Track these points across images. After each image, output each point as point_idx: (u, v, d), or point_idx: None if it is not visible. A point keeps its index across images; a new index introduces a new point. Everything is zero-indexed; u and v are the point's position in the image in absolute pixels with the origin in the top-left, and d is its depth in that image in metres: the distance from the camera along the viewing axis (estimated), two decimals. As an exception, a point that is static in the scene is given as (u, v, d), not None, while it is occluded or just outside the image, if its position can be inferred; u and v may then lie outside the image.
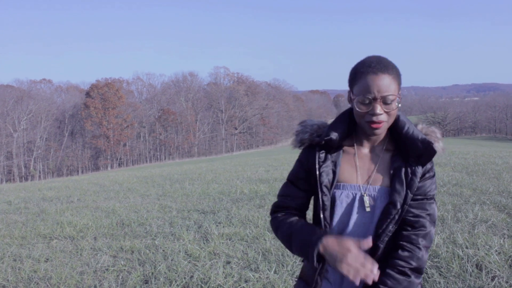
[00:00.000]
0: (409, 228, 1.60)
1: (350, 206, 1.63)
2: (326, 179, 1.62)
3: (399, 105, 1.57)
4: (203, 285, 3.92)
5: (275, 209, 1.77)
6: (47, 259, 4.99)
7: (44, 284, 4.22)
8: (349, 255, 1.45)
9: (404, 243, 1.59)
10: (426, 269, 3.91)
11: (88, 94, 76.02)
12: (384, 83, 1.50)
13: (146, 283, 4.12)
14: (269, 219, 5.13)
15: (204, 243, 5.15)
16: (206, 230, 5.70)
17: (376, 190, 1.63)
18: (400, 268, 1.55)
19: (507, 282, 3.55)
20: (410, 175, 1.59)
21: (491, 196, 6.82)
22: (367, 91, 1.51)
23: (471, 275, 3.71)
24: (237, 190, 8.89)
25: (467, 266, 3.87)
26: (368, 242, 1.49)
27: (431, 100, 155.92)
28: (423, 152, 1.58)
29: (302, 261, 1.87)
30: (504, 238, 4.62)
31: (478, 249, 4.25)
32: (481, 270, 3.79)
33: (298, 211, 1.74)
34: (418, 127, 1.67)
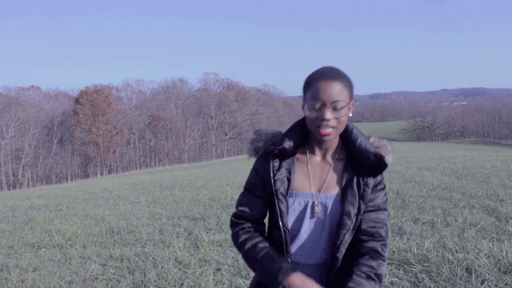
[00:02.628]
0: (369, 238, 1.67)
1: (302, 214, 1.68)
2: (281, 186, 1.66)
3: (351, 114, 1.63)
4: (193, 293, 3.89)
5: (235, 221, 1.78)
6: (35, 269, 4.93)
7: (32, 294, 4.16)
8: None
9: (370, 251, 1.66)
10: (417, 273, 3.92)
11: (77, 100, 75.55)
12: (335, 89, 1.56)
13: (135, 291, 4.08)
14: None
15: (194, 250, 5.12)
16: (196, 237, 5.67)
17: (328, 198, 1.67)
18: (368, 273, 1.61)
19: (496, 285, 3.56)
20: (362, 186, 1.66)
21: (480, 200, 6.86)
22: (318, 96, 1.56)
23: (461, 279, 3.72)
24: (227, 196, 8.86)
25: (457, 270, 3.88)
26: None
27: (420, 104, 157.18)
28: (375, 164, 1.65)
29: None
30: (493, 241, 4.65)
31: (468, 253, 4.27)
32: (470, 274, 3.80)
33: (257, 222, 1.76)
34: (370, 140, 1.74)
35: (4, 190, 48.56)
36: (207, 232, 5.88)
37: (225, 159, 76.58)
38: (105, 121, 73.85)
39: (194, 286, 4.02)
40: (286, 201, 1.66)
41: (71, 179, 68.25)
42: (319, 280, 1.67)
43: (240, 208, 1.76)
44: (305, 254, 1.69)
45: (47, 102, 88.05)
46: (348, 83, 1.61)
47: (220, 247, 5.18)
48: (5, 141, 66.26)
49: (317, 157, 1.73)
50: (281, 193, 1.65)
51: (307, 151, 1.74)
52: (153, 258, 4.96)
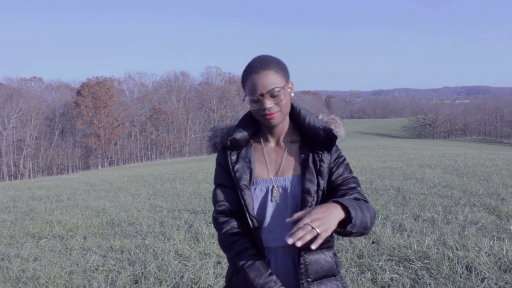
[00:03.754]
0: (348, 193, 1.71)
1: (264, 200, 1.73)
2: (242, 176, 1.71)
3: (292, 94, 1.72)
4: (193, 285, 3.90)
5: (218, 218, 1.76)
6: (36, 259, 4.94)
7: (32, 284, 4.18)
8: None
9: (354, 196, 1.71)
10: (417, 270, 3.93)
11: (79, 92, 75.51)
12: (267, 79, 1.62)
13: (136, 283, 4.09)
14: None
15: (194, 243, 5.12)
16: (197, 230, 5.68)
17: (286, 181, 1.73)
18: (357, 198, 1.69)
19: (496, 283, 3.56)
20: (318, 162, 1.72)
21: (481, 198, 6.86)
22: (253, 90, 1.63)
23: (461, 277, 3.73)
24: (228, 190, 8.86)
25: (457, 268, 3.89)
26: None
27: (422, 102, 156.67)
28: (325, 138, 1.73)
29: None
30: (494, 240, 4.65)
31: (468, 251, 4.27)
32: (471, 272, 3.81)
33: (238, 217, 1.74)
34: (319, 117, 1.83)
35: (6, 181, 48.68)
36: (208, 226, 5.89)
37: (226, 153, 76.39)
38: (106, 113, 73.81)
39: (194, 279, 4.03)
40: (250, 189, 1.71)
41: (72, 171, 68.32)
42: (292, 262, 1.72)
43: (218, 204, 1.76)
44: (274, 238, 1.72)
45: (49, 94, 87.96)
46: (278, 67, 1.66)
47: (220, 240, 5.18)
48: (6, 132, 66.31)
49: (271, 143, 1.80)
50: (243, 184, 1.70)
51: (261, 139, 1.80)
52: (154, 250, 4.97)
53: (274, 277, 1.61)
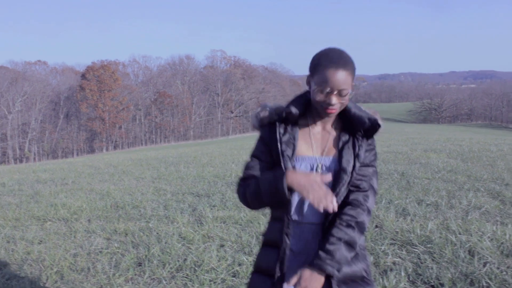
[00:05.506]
0: (354, 189, 1.85)
1: None
2: (287, 148, 1.81)
3: (353, 92, 1.79)
4: (196, 268, 3.93)
5: (241, 182, 1.91)
6: (41, 241, 4.98)
7: (37, 266, 4.22)
8: (315, 185, 1.65)
9: (353, 201, 1.83)
10: (420, 254, 3.94)
11: (83, 76, 75.39)
12: (342, 78, 1.70)
13: (139, 265, 4.12)
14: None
15: (198, 226, 5.15)
16: (201, 213, 5.70)
17: (329, 160, 1.85)
18: (348, 222, 1.79)
19: (498, 268, 3.57)
20: (357, 147, 1.85)
21: (485, 183, 6.84)
22: (326, 83, 1.70)
23: (463, 261, 3.73)
24: (232, 174, 8.88)
25: (460, 252, 3.89)
26: (328, 177, 1.71)
27: (428, 86, 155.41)
28: (370, 127, 1.85)
29: (263, 235, 2.03)
30: (497, 224, 4.65)
31: (471, 235, 4.27)
32: (473, 256, 3.81)
33: None
34: (362, 108, 1.90)
35: (11, 164, 48.96)
36: (211, 209, 5.91)
37: (230, 137, 76.59)
38: (111, 96, 73.76)
39: (197, 262, 4.05)
40: (291, 162, 1.80)
41: (77, 154, 68.62)
42: (315, 238, 1.85)
43: (246, 171, 1.89)
44: (310, 213, 1.84)
45: (53, 77, 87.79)
46: (353, 70, 1.75)
47: (224, 223, 5.21)
48: (12, 116, 66.51)
49: (318, 127, 1.90)
50: (287, 155, 1.80)
51: (309, 122, 1.89)
52: (157, 233, 4.99)
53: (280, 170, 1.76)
